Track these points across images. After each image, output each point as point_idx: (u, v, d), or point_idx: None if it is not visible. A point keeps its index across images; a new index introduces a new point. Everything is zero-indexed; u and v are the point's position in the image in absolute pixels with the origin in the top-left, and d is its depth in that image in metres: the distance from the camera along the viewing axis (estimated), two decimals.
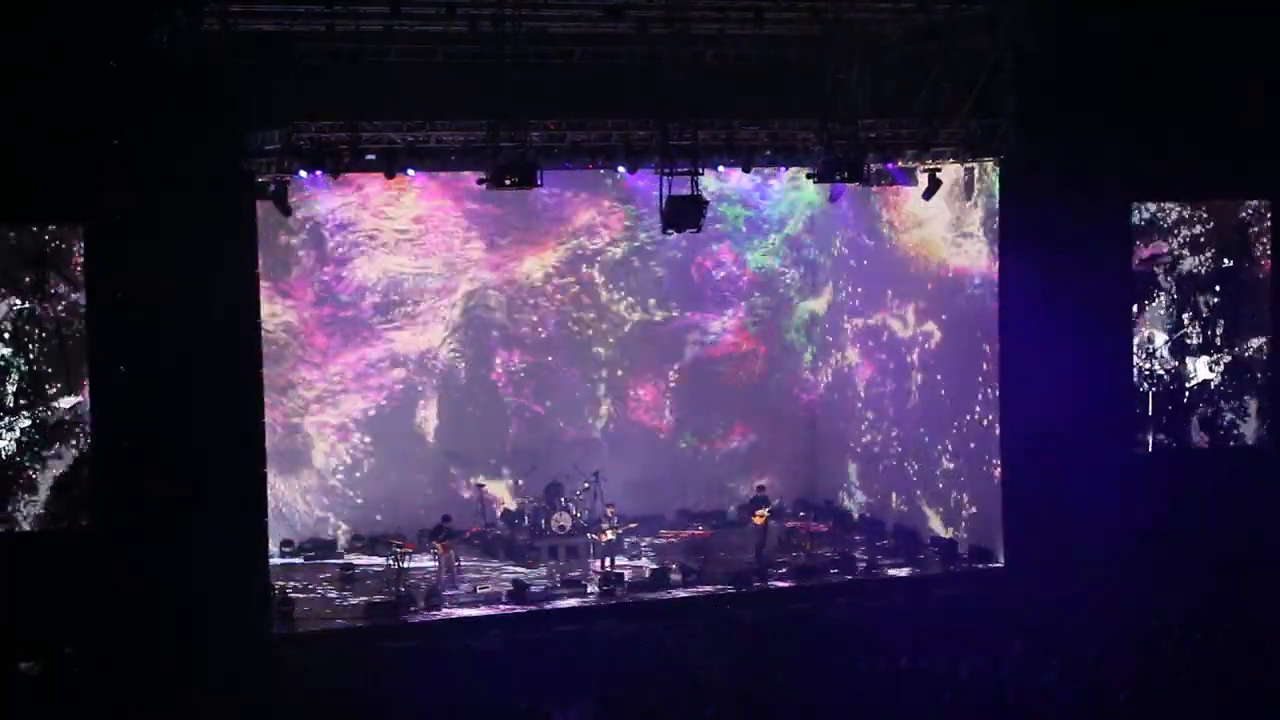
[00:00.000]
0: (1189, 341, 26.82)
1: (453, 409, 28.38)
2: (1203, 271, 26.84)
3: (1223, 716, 19.07)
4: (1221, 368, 27.07)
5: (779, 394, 30.27)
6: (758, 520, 26.56)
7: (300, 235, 26.99)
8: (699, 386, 29.77)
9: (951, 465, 26.65)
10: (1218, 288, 26.95)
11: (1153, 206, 26.47)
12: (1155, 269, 26.56)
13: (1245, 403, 27.26)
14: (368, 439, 27.92)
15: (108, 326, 22.02)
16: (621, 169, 24.92)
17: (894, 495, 28.03)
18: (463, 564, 25.35)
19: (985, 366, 25.56)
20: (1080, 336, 25.00)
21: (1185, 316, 26.75)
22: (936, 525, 26.94)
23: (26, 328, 22.01)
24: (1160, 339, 26.63)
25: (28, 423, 22.10)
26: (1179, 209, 26.63)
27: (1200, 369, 26.90)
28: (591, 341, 29.21)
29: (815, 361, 30.28)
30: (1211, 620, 22.12)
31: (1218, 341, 26.98)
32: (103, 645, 21.36)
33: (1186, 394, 26.87)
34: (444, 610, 23.55)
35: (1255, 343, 27.23)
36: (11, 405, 21.99)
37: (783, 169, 27.08)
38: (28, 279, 21.97)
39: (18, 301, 21.95)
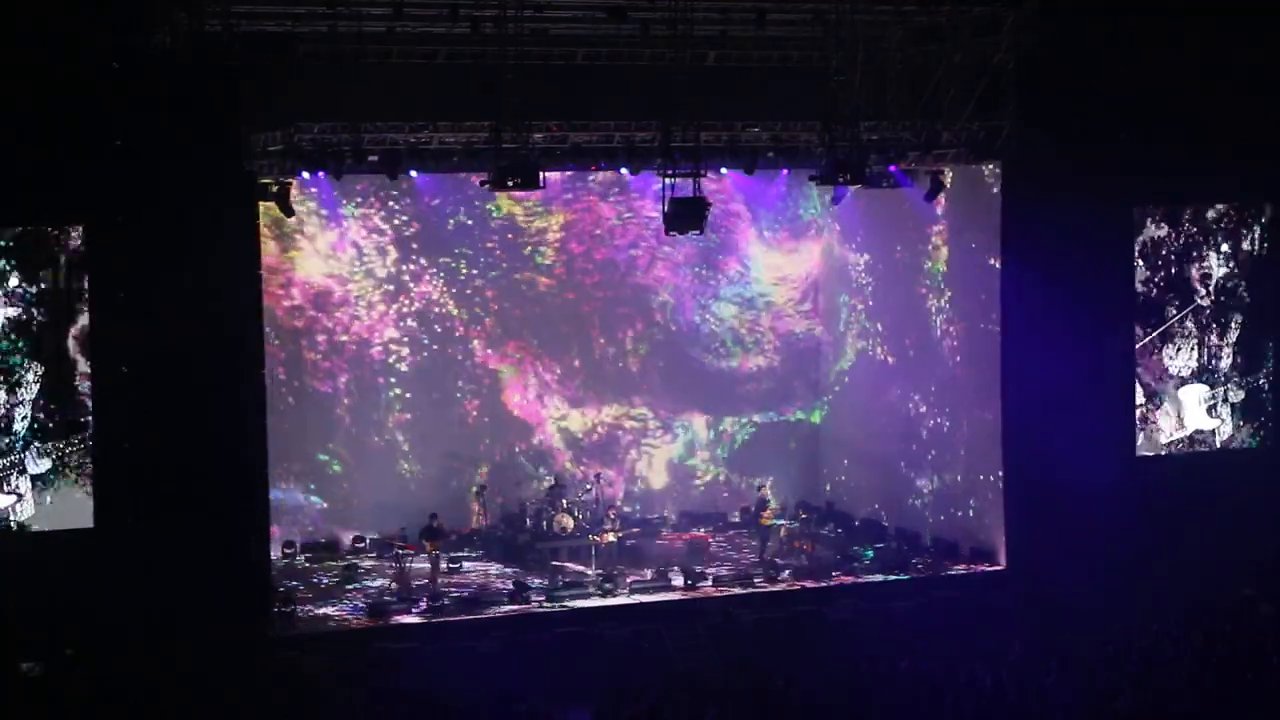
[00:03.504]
0: (1190, 341, 26.83)
1: None
2: (1205, 273, 26.81)
3: (1222, 717, 19.07)
4: (1223, 367, 27.08)
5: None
6: (762, 522, 26.63)
7: None
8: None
9: (952, 466, 26.60)
10: (1219, 292, 26.93)
11: (1154, 208, 26.49)
12: (1156, 270, 26.57)
13: (1247, 403, 27.27)
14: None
15: (108, 326, 22.04)
16: (624, 170, 24.97)
17: (895, 497, 27.98)
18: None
19: (986, 368, 25.55)
20: (1081, 338, 25.01)
21: (1187, 316, 26.77)
22: (937, 527, 26.90)
23: (31, 328, 22.04)
24: (1162, 337, 26.67)
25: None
26: (1181, 209, 26.64)
27: (1201, 370, 26.95)
28: None
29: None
30: (1211, 621, 22.11)
31: (1220, 340, 26.97)
32: (103, 645, 21.35)
33: (1186, 396, 26.91)
34: (444, 610, 23.55)
35: (1257, 341, 27.26)
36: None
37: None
38: (29, 279, 22.00)
39: (21, 302, 21.98)
